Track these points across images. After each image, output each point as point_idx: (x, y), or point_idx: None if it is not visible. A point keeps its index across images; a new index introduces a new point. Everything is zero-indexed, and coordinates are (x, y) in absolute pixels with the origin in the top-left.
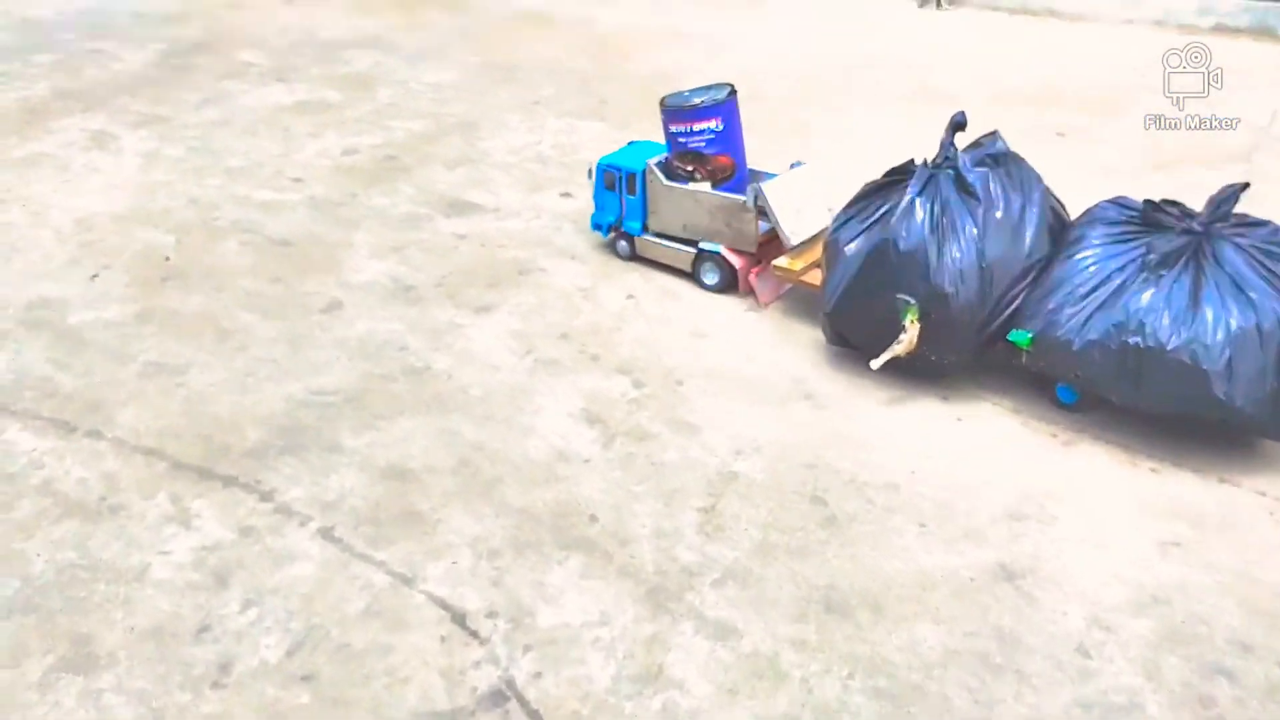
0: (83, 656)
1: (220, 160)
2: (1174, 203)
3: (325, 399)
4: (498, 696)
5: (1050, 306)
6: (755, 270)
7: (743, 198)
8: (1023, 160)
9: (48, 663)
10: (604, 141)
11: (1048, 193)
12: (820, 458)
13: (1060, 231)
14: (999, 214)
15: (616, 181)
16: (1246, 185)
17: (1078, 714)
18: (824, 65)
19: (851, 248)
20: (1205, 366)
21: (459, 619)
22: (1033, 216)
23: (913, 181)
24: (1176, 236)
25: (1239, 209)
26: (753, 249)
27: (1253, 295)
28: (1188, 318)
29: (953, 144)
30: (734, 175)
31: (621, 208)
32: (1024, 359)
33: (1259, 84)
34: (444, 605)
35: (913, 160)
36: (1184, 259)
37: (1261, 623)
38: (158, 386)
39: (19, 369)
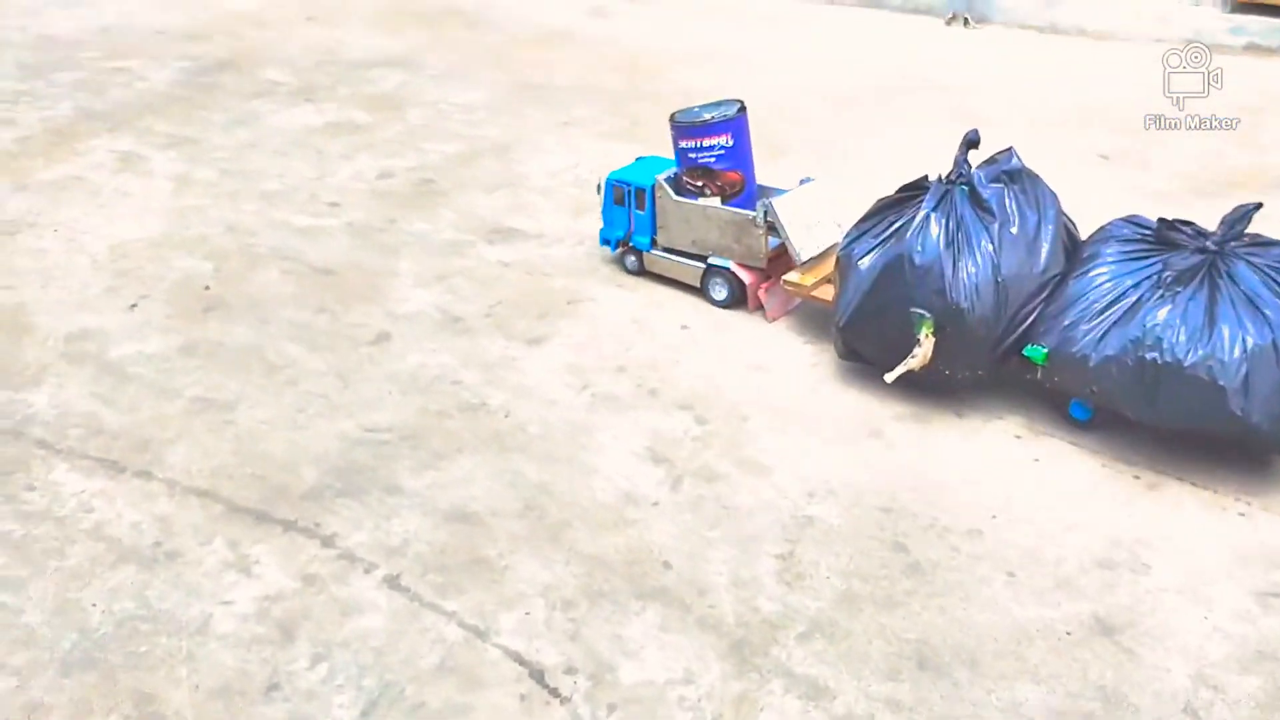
0: (149, 718)
1: (254, 184)
2: (1187, 222)
3: (380, 437)
4: None
5: (1066, 322)
6: (765, 286)
7: (753, 213)
8: (1038, 177)
9: None
10: None
11: (1062, 209)
12: (896, 500)
13: (1073, 248)
14: (1014, 230)
15: (625, 196)
16: (1259, 205)
17: None
18: (858, 87)
19: (865, 262)
20: (1222, 383)
21: (537, 675)
22: (1048, 233)
23: (927, 197)
24: (1191, 255)
25: (1251, 229)
26: (762, 264)
27: (1268, 313)
28: (1204, 334)
29: (966, 160)
30: (743, 191)
31: (630, 223)
32: (1039, 374)
33: None
34: (520, 660)
35: (926, 176)
36: (1199, 277)
37: None
38: (206, 423)
39: (62, 405)
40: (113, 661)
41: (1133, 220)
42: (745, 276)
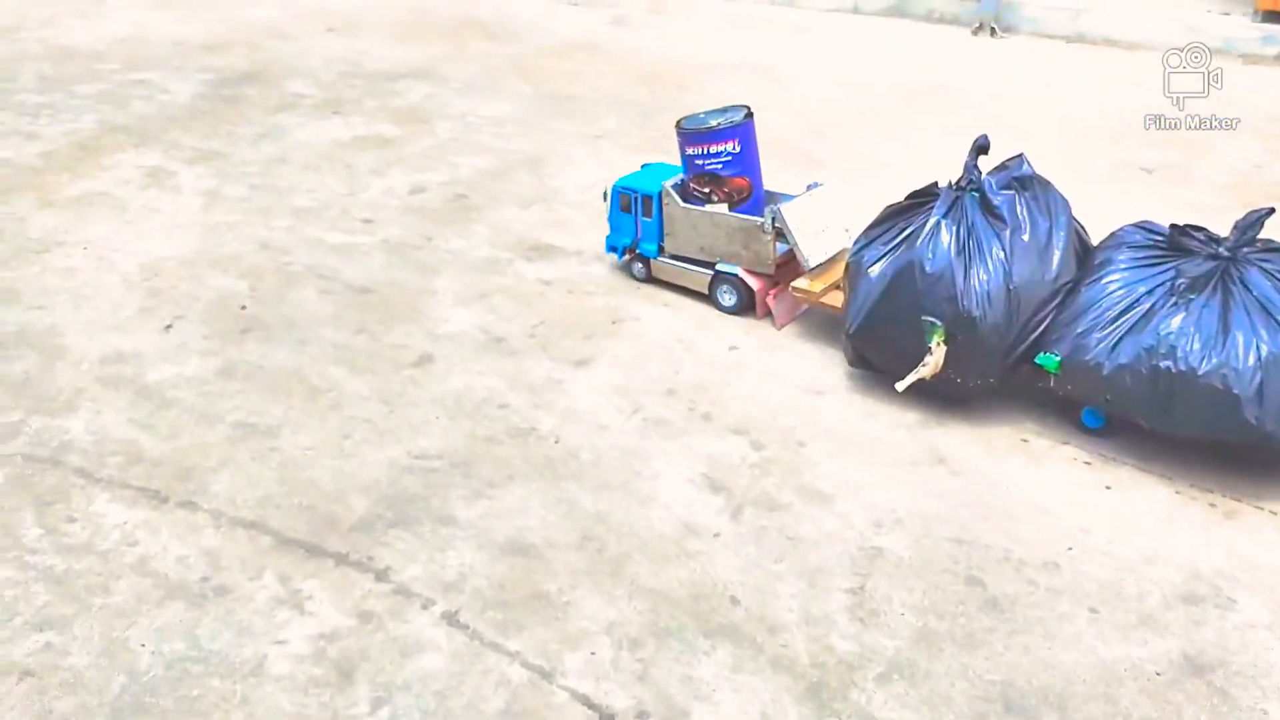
0: None
1: (285, 199)
2: (1199, 227)
3: (429, 464)
4: None
5: (1079, 330)
6: (773, 292)
7: (760, 219)
8: (1049, 184)
9: None
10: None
11: (1073, 215)
12: (967, 531)
13: (1084, 255)
14: (1026, 237)
15: (632, 203)
16: (1272, 210)
17: None
18: (887, 97)
19: (875, 269)
20: (1236, 391)
21: None
22: (1059, 239)
23: (938, 204)
24: (1204, 261)
25: (1264, 234)
26: (770, 271)
27: None
28: (1218, 342)
29: (976, 166)
30: (751, 197)
31: (637, 230)
32: (1051, 383)
33: None
34: (589, 704)
35: (936, 182)
36: (1212, 284)
37: None
38: (250, 450)
39: (99, 431)
40: (164, 707)
41: (1144, 226)
42: (753, 283)
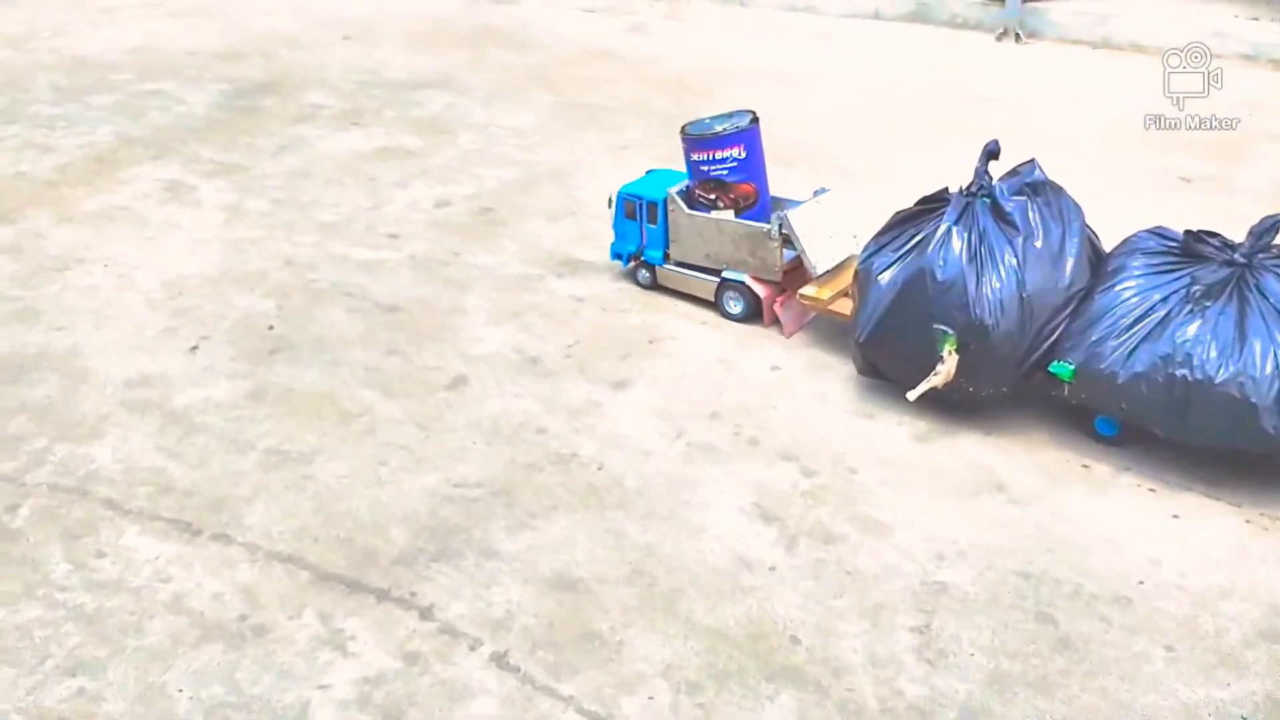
0: None
1: (308, 214)
2: (1213, 233)
3: (470, 493)
4: None
5: (1093, 338)
6: (780, 299)
7: (767, 226)
8: (1062, 189)
9: None
10: None
11: (1086, 222)
12: (1034, 564)
13: (1097, 261)
14: (1038, 243)
15: (637, 210)
16: None
17: None
18: (911, 104)
19: (885, 276)
20: (1254, 400)
21: None
22: (1073, 246)
23: (949, 210)
24: (1219, 268)
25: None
26: (777, 278)
27: None
28: (1235, 350)
29: (987, 172)
30: (757, 203)
31: (642, 237)
32: (1065, 391)
33: None
34: None
35: (946, 188)
36: (1228, 290)
37: None
38: (283, 479)
39: (127, 459)
40: None
41: (1158, 232)
42: (760, 290)
